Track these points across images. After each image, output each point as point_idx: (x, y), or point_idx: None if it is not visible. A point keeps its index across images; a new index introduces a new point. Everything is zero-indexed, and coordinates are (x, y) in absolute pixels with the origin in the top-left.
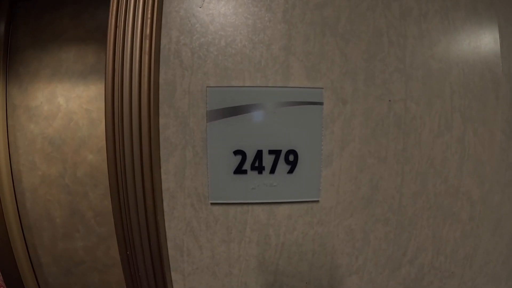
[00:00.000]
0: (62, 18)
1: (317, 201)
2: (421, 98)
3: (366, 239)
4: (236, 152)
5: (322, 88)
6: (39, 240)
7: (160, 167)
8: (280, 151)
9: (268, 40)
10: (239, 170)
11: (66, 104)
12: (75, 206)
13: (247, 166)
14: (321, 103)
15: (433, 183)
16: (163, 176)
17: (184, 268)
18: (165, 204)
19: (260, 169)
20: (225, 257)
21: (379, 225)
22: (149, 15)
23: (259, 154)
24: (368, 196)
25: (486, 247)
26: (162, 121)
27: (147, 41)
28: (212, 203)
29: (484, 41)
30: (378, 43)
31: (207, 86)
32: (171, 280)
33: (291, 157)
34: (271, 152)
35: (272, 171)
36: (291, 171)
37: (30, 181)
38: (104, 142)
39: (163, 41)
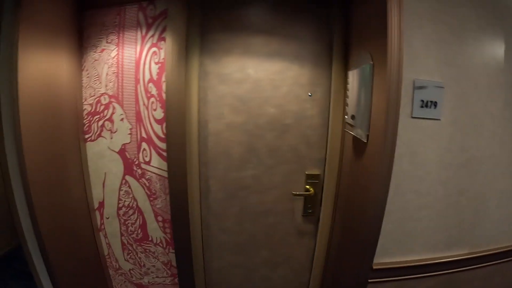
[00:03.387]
0: (248, 16)
1: None
2: None
3: None
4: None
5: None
6: (213, 172)
7: None
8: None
9: None
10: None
11: (255, 74)
12: (253, 145)
13: None
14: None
15: None
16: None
17: None
18: None
19: None
20: None
21: None
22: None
23: None
24: None
25: None
26: None
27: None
28: None
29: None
30: None
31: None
32: None
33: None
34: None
35: None
36: None
37: (216, 127)
38: (282, 100)
39: None
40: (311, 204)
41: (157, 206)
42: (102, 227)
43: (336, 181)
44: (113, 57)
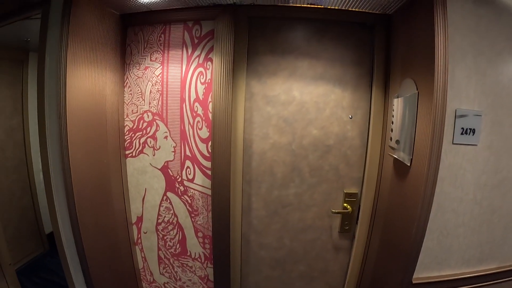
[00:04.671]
0: (295, 39)
1: None
2: None
3: None
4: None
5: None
6: (256, 190)
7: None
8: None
9: None
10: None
11: (300, 96)
12: (296, 165)
13: None
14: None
15: None
16: None
17: None
18: None
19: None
20: None
21: None
22: None
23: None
24: None
25: None
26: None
27: None
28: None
29: None
30: None
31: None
32: None
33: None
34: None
35: None
36: None
37: (260, 147)
38: (325, 122)
39: None
40: (347, 221)
41: (198, 222)
42: (139, 241)
43: (373, 200)
44: (158, 75)
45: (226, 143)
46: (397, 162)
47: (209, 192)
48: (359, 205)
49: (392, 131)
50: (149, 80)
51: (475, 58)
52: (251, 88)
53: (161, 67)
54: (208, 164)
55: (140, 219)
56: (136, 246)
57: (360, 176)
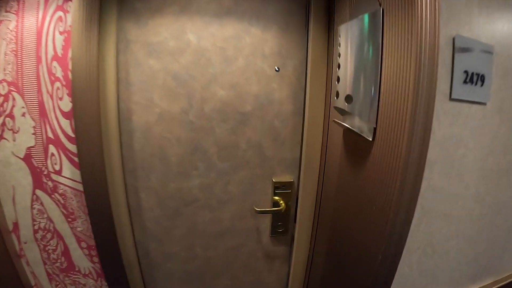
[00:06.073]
0: None
1: None
2: None
3: None
4: None
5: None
6: (144, 183)
7: None
8: None
9: None
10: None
11: (197, 41)
12: (198, 143)
13: None
14: None
15: None
16: None
17: None
18: None
19: None
20: None
21: None
22: None
23: None
24: None
25: None
26: None
27: None
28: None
29: None
30: None
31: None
32: None
33: None
34: None
35: None
36: None
37: (144, 119)
38: (238, 78)
39: None
40: (281, 221)
41: (78, 229)
42: (22, 253)
43: (316, 191)
44: (12, 30)
45: (93, 117)
46: (350, 135)
47: (81, 187)
48: (297, 199)
49: (338, 81)
50: (3, 38)
51: None
52: (126, 33)
53: (16, 18)
54: (74, 148)
55: (16, 225)
56: (22, 259)
57: (295, 157)
